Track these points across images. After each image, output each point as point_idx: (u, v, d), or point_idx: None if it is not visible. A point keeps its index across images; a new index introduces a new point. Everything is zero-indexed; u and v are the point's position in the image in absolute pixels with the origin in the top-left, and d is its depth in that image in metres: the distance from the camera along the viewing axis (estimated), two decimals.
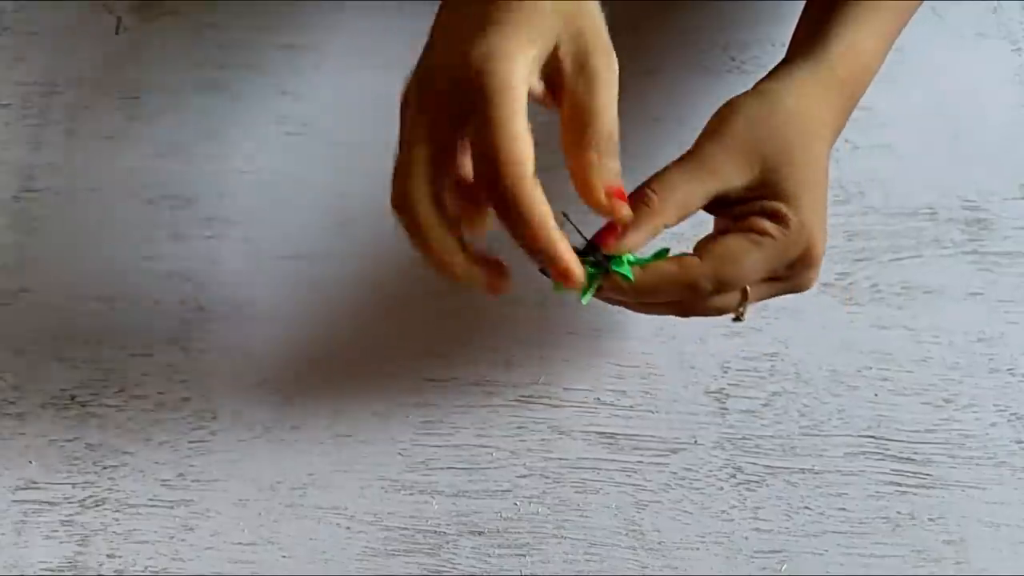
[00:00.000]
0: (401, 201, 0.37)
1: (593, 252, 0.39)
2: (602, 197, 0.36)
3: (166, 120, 0.55)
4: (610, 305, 0.49)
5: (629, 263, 0.39)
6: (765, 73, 0.54)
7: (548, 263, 0.36)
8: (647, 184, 0.40)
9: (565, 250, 0.35)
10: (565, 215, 0.38)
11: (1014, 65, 0.56)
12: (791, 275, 0.41)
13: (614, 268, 0.39)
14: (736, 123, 0.41)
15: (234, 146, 0.54)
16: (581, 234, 0.39)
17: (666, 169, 0.40)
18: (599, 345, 0.49)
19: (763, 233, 0.39)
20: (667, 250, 0.40)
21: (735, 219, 0.40)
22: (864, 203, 0.52)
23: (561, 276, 0.36)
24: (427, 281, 0.50)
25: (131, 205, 0.52)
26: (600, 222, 0.39)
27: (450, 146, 0.36)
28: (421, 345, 0.49)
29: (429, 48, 0.37)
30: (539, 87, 0.37)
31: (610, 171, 0.37)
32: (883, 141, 0.53)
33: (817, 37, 0.43)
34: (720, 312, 0.42)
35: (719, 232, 0.41)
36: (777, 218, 0.39)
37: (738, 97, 0.42)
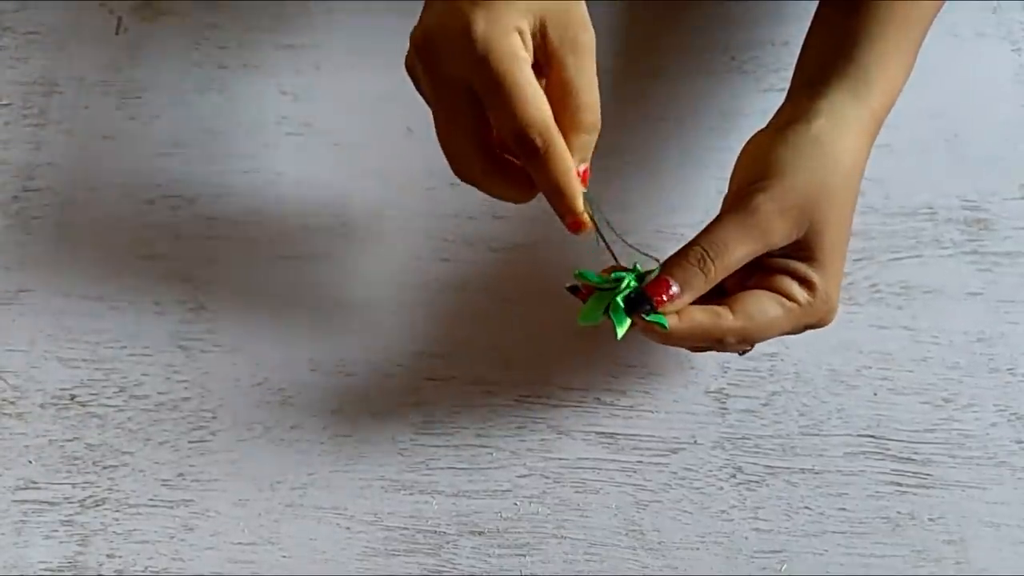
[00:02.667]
0: (459, 161, 0.39)
1: (641, 302, 0.39)
2: (573, 189, 0.38)
3: (166, 120, 0.55)
4: None
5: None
6: (766, 73, 0.55)
7: (565, 211, 0.38)
8: (702, 244, 0.40)
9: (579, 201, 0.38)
10: (600, 234, 0.40)
11: (1014, 65, 0.56)
12: (800, 331, 0.42)
13: (650, 318, 0.39)
14: (794, 176, 0.40)
15: (234, 146, 0.54)
16: (612, 253, 0.41)
17: (721, 226, 0.40)
18: (599, 345, 0.49)
19: (791, 299, 0.40)
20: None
21: (764, 268, 0.41)
22: (864, 203, 0.52)
23: (573, 226, 0.38)
24: (427, 280, 0.50)
25: (131, 205, 0.52)
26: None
27: (478, 111, 0.37)
28: (421, 345, 0.49)
29: (427, 10, 0.38)
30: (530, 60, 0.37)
31: (588, 147, 0.38)
32: (883, 141, 0.52)
33: (853, 63, 0.42)
34: (728, 351, 0.43)
35: (749, 284, 0.41)
36: (807, 285, 0.40)
37: (792, 133, 0.41)
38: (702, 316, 0.40)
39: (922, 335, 0.49)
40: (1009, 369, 0.48)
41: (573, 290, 0.41)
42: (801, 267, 0.40)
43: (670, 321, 0.39)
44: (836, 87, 0.42)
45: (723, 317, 0.40)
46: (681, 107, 0.54)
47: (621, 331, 0.39)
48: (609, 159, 0.53)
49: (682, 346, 0.42)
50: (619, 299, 0.39)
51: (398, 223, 0.52)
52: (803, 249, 0.40)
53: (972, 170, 0.53)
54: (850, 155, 0.41)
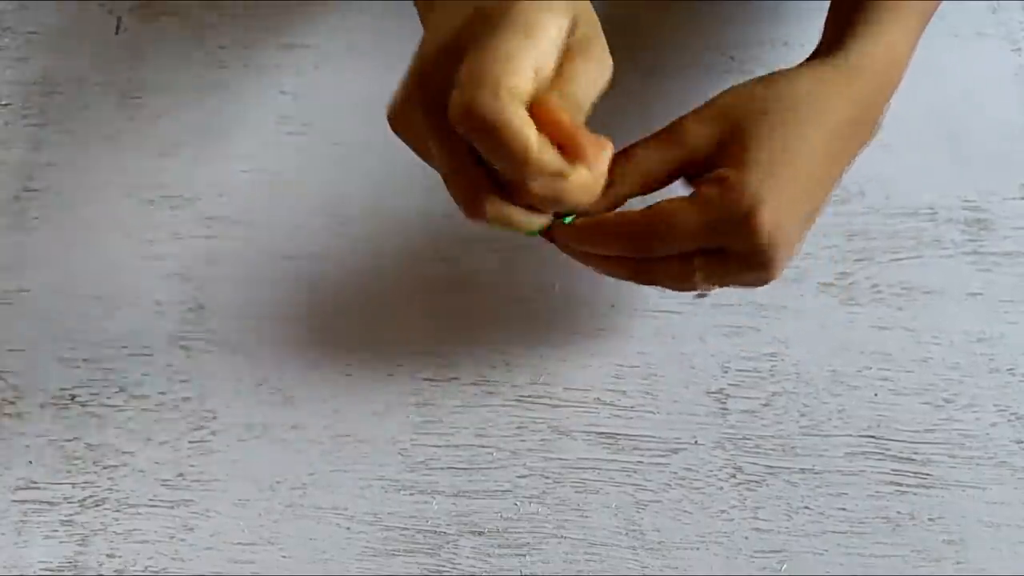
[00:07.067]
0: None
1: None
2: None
3: (166, 120, 0.55)
4: (602, 301, 0.49)
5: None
6: (765, 73, 0.55)
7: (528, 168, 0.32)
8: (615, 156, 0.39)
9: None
10: None
11: (1014, 65, 0.56)
12: (733, 244, 0.39)
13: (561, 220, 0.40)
14: (723, 96, 0.41)
15: (234, 146, 0.54)
16: None
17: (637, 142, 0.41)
18: (599, 345, 0.49)
19: (702, 193, 0.38)
20: None
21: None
22: (864, 203, 0.52)
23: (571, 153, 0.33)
24: (427, 280, 0.50)
25: (131, 205, 0.52)
26: None
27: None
28: (421, 345, 0.49)
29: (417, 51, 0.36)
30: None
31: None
32: (883, 141, 0.53)
33: (839, 33, 0.43)
34: (673, 280, 0.41)
35: None
36: (718, 181, 0.38)
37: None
38: (607, 213, 0.40)
39: (922, 335, 0.49)
40: (1009, 369, 0.48)
41: (542, 233, 0.40)
42: (721, 170, 0.39)
43: (578, 220, 0.40)
44: (816, 52, 0.43)
45: (627, 213, 0.39)
46: (681, 107, 0.54)
47: (532, 233, 0.39)
48: None
49: (608, 256, 0.41)
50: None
51: (398, 223, 0.52)
52: (727, 156, 0.39)
53: (972, 170, 0.53)
54: (800, 85, 0.40)
